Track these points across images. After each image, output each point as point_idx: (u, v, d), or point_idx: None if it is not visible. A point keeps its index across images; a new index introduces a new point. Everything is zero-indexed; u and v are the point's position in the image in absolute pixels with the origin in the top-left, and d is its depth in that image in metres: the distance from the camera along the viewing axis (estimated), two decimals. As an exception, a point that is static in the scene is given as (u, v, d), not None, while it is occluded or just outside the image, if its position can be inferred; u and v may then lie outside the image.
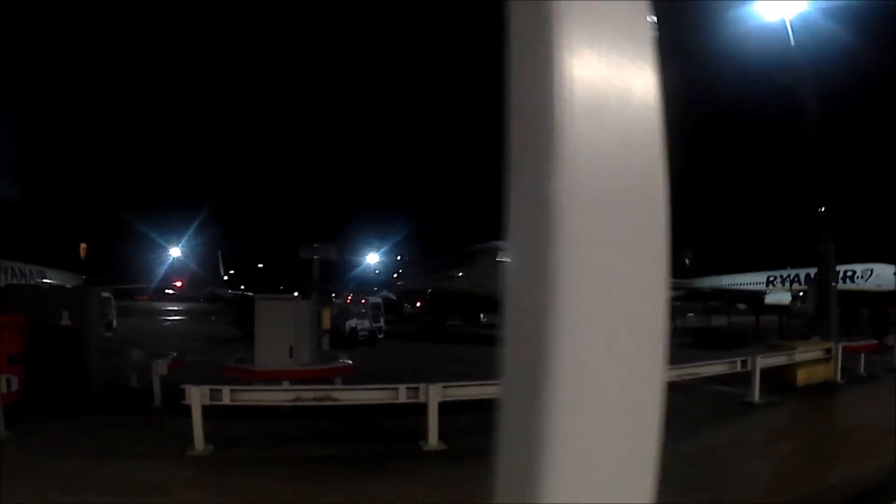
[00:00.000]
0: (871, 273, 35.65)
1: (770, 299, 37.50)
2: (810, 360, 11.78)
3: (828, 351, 12.04)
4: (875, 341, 13.65)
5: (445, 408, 7.73)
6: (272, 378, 9.02)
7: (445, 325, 32.83)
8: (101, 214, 56.10)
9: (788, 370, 11.65)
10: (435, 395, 7.34)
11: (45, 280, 36.65)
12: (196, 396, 6.98)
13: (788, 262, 36.66)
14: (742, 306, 36.94)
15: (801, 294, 32.54)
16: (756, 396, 10.21)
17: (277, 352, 9.52)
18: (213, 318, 38.48)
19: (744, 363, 10.46)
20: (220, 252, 49.73)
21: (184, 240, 52.90)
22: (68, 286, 29.69)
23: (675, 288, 52.85)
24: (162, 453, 6.91)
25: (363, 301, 26.34)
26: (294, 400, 7.41)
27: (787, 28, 24.12)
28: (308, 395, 7.46)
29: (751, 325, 25.39)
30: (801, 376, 11.66)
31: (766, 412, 9.65)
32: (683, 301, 39.34)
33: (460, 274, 28.55)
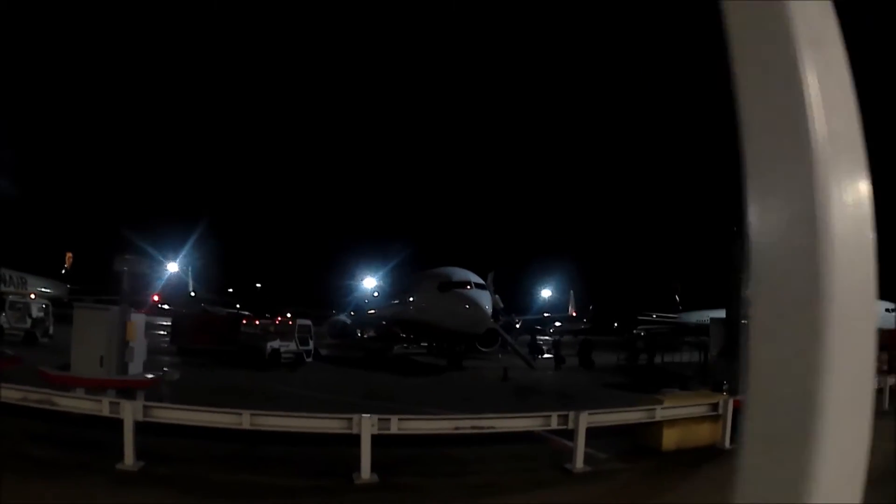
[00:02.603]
0: None
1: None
2: (685, 417, 9.14)
3: (715, 406, 9.32)
4: None
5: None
6: (67, 383, 9.22)
7: (390, 352, 31.41)
8: (96, 226, 56.79)
9: (654, 429, 9.07)
10: (130, 412, 7.22)
11: (27, 287, 36.58)
12: None
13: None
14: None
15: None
16: (578, 462, 7.95)
17: (90, 360, 9.80)
18: None
19: (563, 419, 8.08)
20: (189, 268, 49.30)
21: (181, 255, 52.61)
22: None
23: (657, 323, 49.74)
24: None
25: (290, 322, 24.66)
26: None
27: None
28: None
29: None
30: (670, 438, 9.07)
31: (570, 488, 7.35)
32: (667, 337, 36.39)
33: (411, 299, 26.69)
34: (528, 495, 6.95)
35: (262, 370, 20.17)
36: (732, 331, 10.66)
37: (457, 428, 7.78)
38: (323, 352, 29.55)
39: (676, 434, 9.10)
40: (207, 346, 24.57)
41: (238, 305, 53.39)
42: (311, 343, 24.74)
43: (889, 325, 31.03)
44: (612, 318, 50.14)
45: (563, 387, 17.60)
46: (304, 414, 7.75)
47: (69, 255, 46.94)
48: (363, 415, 7.14)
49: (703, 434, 9.32)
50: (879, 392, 12.44)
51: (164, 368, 11.16)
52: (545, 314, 44.70)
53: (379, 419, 7.19)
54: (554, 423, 8.03)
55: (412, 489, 6.94)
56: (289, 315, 26.73)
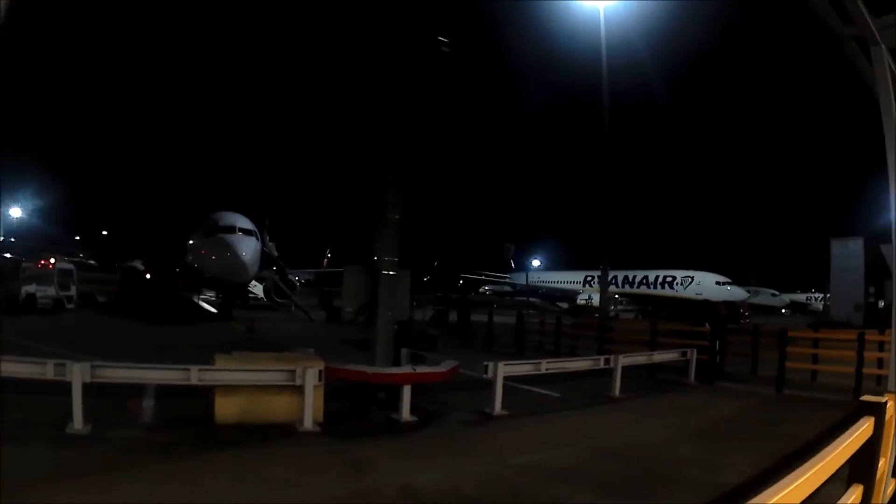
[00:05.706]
0: (692, 280, 33.67)
1: (581, 298, 35.27)
2: (247, 384, 7.76)
3: (292, 374, 7.88)
4: (444, 369, 9.04)
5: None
6: None
7: (174, 300, 28.93)
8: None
9: (210, 396, 7.66)
10: None
11: None
12: None
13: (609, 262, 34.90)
14: (564, 304, 34.32)
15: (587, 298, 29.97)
16: (76, 423, 6.80)
17: None
18: None
19: (60, 370, 6.83)
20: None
21: (22, 200, 46.95)
22: None
23: (490, 282, 50.84)
24: None
25: (50, 266, 22.76)
26: None
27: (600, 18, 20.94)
28: None
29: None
30: (229, 408, 7.65)
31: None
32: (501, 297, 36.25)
33: (190, 243, 24.21)
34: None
35: (15, 315, 19.44)
36: (372, 283, 9.33)
37: None
38: (101, 299, 27.47)
39: (238, 404, 7.67)
40: None
41: (81, 255, 50.11)
42: (74, 288, 23.54)
43: (720, 297, 32.95)
44: (453, 276, 49.89)
45: (298, 340, 16.26)
46: None
47: None
48: None
49: (279, 407, 7.83)
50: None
51: None
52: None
53: None
54: (50, 373, 6.75)
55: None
56: (52, 259, 23.49)
